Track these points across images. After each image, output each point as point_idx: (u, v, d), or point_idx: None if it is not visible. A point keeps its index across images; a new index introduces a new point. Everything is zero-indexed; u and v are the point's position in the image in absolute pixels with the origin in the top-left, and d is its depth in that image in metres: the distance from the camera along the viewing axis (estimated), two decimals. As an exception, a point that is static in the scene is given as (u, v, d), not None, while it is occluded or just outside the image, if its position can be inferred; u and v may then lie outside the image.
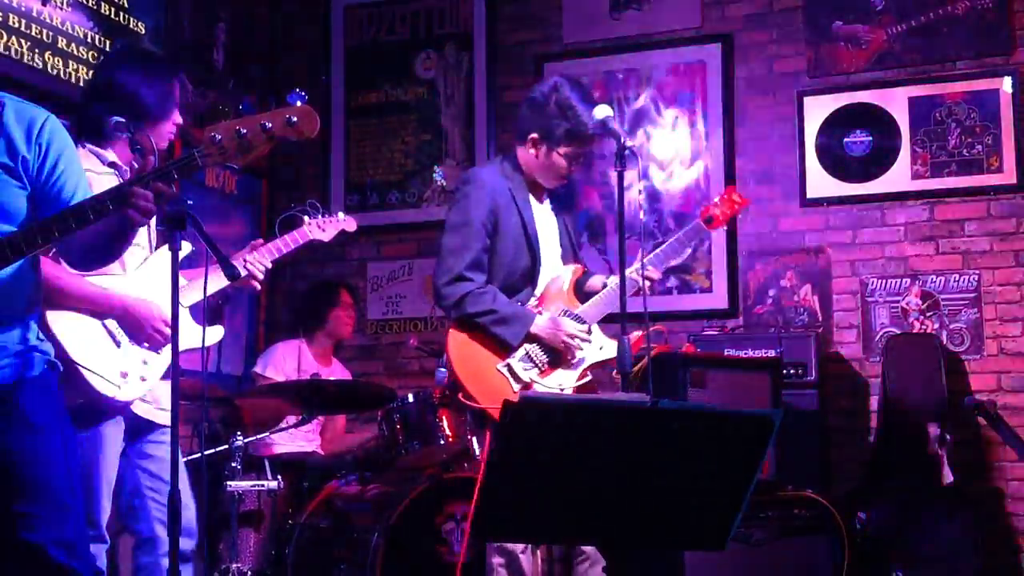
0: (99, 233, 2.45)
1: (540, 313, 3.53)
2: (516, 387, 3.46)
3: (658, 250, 3.68)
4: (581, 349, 3.51)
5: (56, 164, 2.45)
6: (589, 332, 3.54)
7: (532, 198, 3.64)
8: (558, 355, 3.52)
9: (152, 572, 3.08)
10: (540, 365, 3.49)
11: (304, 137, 2.41)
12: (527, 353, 3.49)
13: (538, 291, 3.58)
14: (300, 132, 2.39)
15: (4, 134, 2.41)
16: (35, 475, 2.41)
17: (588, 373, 3.56)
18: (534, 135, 3.57)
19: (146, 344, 3.03)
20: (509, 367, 3.48)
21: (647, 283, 3.55)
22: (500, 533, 2.52)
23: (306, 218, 3.63)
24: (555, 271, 3.65)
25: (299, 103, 2.42)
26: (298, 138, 2.41)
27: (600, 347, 3.57)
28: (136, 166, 3.10)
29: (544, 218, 3.67)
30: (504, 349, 3.49)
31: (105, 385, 2.92)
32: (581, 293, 3.66)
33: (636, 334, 3.65)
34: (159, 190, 2.35)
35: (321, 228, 3.65)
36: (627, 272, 3.49)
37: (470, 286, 3.50)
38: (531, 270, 3.56)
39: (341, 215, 3.77)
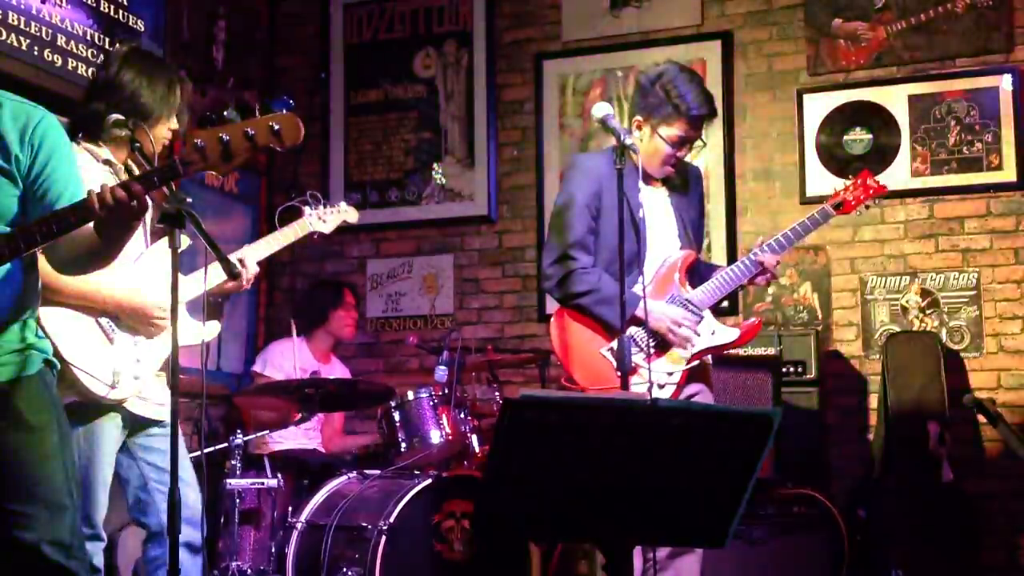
0: (89, 238, 2.43)
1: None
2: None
3: (778, 235, 3.60)
4: (688, 336, 3.46)
5: (47, 164, 2.43)
6: (700, 317, 3.50)
7: (644, 185, 3.54)
8: (664, 341, 3.46)
9: (164, 563, 3.08)
10: (646, 349, 3.38)
11: (287, 146, 2.37)
12: (632, 337, 3.39)
13: (646, 275, 3.48)
14: (283, 140, 2.35)
15: None
16: (31, 474, 2.40)
17: (698, 359, 3.51)
18: (638, 118, 3.54)
19: (141, 339, 3.02)
20: (613, 351, 3.43)
21: (768, 271, 3.52)
22: (501, 531, 2.51)
23: (307, 209, 3.60)
24: (666, 256, 3.58)
25: (284, 110, 2.38)
26: (281, 147, 2.37)
27: (712, 332, 3.52)
28: (132, 164, 3.10)
29: (656, 204, 3.59)
30: (608, 332, 3.44)
31: (97, 384, 2.91)
32: (695, 279, 3.59)
33: (751, 321, 3.65)
34: (135, 192, 2.33)
35: (322, 219, 3.62)
36: (747, 256, 3.55)
37: (575, 265, 3.48)
38: (637, 254, 3.45)
39: (343, 205, 3.72)
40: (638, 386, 3.29)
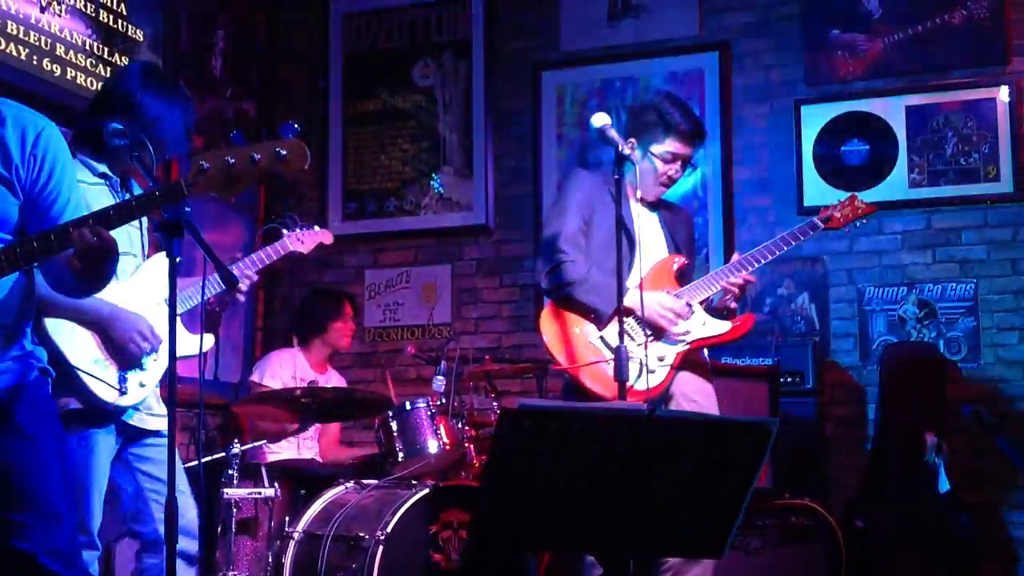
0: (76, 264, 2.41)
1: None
2: (610, 357, 3.42)
3: (769, 244, 3.65)
4: (678, 324, 3.52)
5: (50, 178, 2.43)
6: (690, 309, 3.56)
7: (635, 204, 3.64)
8: (656, 330, 3.52)
9: (158, 573, 3.08)
10: (636, 339, 3.46)
11: (293, 171, 2.38)
12: (624, 328, 3.40)
13: (634, 280, 3.49)
14: (289, 166, 2.36)
15: (0, 142, 2.40)
16: (28, 483, 2.40)
17: (690, 348, 3.56)
18: (631, 140, 3.61)
19: (122, 358, 2.98)
20: (603, 339, 3.48)
21: (736, 289, 3.57)
22: (499, 541, 2.51)
23: (285, 231, 3.69)
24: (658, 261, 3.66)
25: (290, 136, 2.39)
26: (287, 172, 2.38)
27: (704, 323, 3.59)
28: (131, 177, 3.11)
29: (647, 223, 3.67)
30: (598, 320, 3.50)
31: (105, 390, 2.91)
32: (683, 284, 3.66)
33: (740, 316, 3.66)
34: (97, 234, 2.29)
35: (300, 240, 3.73)
36: (716, 271, 3.62)
37: (565, 257, 3.56)
38: (629, 262, 3.49)
39: (317, 228, 3.84)
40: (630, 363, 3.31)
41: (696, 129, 3.68)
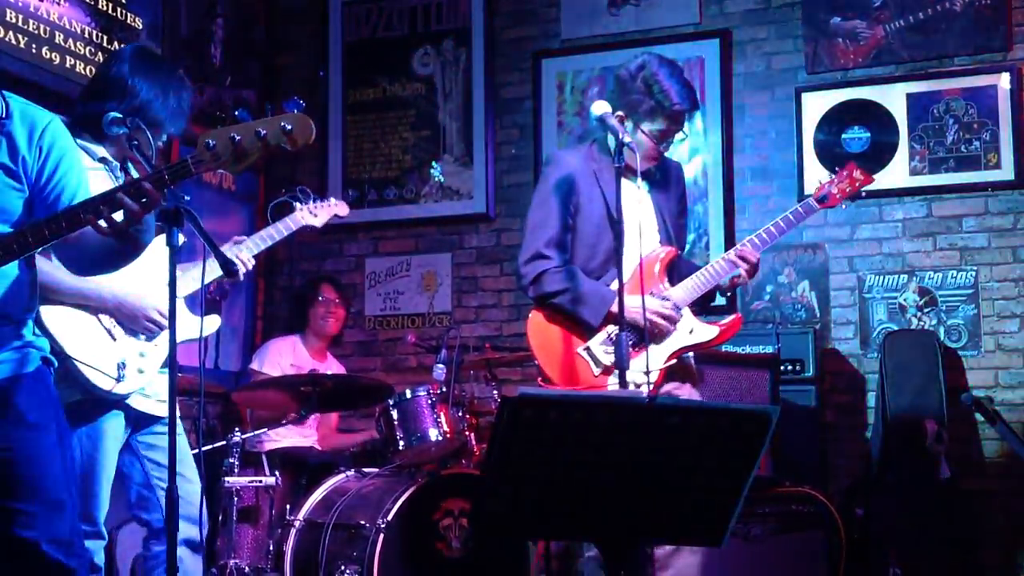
0: (103, 241, 2.43)
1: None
2: (597, 371, 3.38)
3: (760, 231, 3.55)
4: (668, 332, 3.41)
5: (56, 169, 2.44)
6: (679, 314, 3.45)
7: (624, 180, 3.41)
8: (644, 338, 3.37)
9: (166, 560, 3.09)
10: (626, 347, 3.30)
11: (299, 146, 2.37)
12: (609, 336, 3.36)
13: (625, 273, 3.35)
14: (295, 140, 2.36)
15: (6, 135, 2.40)
16: (30, 472, 2.41)
17: (676, 357, 3.45)
18: (620, 113, 3.44)
19: (143, 336, 3.03)
20: (589, 350, 3.40)
21: (744, 267, 3.46)
22: (499, 530, 2.51)
23: (297, 204, 3.61)
24: (646, 253, 3.49)
25: (295, 111, 2.39)
26: (292, 147, 2.37)
27: (690, 330, 3.46)
28: (130, 163, 3.10)
29: (636, 200, 3.48)
30: (585, 331, 3.41)
31: (102, 379, 2.92)
32: (675, 277, 3.54)
33: (730, 318, 3.60)
34: (150, 193, 2.32)
35: (313, 213, 3.64)
36: (724, 255, 3.51)
37: (548, 264, 3.44)
38: (615, 251, 3.36)
39: (332, 200, 3.75)
40: (613, 386, 3.27)
41: (691, 106, 3.51)
